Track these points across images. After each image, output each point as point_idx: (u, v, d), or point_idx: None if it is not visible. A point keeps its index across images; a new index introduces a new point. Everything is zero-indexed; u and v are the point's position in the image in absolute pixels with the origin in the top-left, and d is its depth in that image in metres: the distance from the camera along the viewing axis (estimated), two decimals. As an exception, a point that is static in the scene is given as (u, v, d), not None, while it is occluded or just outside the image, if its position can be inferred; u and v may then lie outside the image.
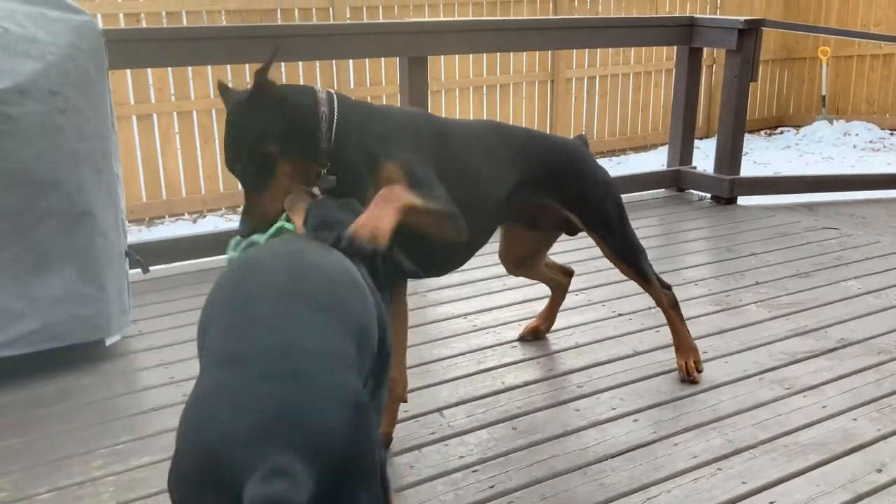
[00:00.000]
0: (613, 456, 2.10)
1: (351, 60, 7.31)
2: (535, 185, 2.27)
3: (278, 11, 7.44)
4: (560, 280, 2.81)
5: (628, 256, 2.49)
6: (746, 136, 4.83)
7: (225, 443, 1.05)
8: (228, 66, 6.83)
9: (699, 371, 2.53)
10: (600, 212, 2.41)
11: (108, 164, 2.44)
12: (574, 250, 3.65)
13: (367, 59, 7.32)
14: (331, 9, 7.59)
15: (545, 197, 2.32)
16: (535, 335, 2.77)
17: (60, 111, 2.27)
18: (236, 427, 1.06)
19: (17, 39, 2.24)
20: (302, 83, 7.37)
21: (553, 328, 2.84)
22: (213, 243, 3.64)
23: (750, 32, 4.26)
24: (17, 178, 2.25)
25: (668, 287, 2.58)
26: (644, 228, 4.04)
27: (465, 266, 3.39)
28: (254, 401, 1.09)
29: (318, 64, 7.30)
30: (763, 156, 8.80)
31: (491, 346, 2.73)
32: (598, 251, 3.60)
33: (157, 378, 2.49)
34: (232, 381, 1.14)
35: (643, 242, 3.78)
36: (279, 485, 0.99)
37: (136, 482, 1.97)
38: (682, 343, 2.56)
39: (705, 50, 4.87)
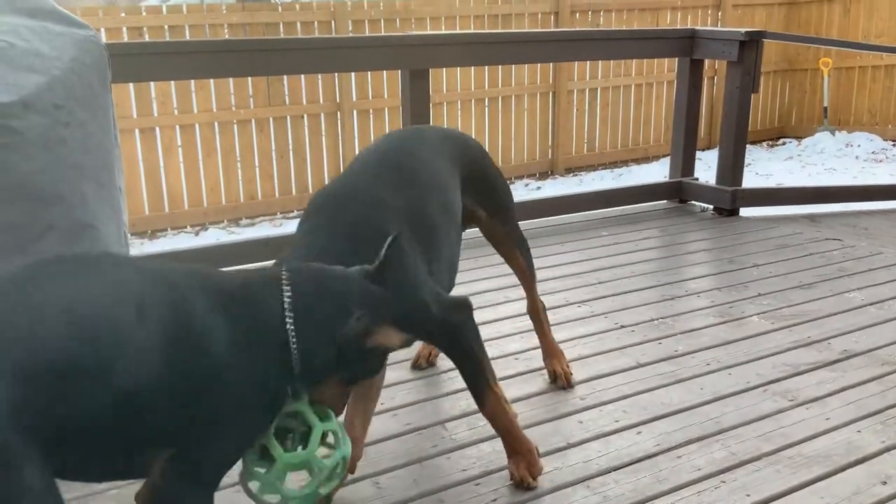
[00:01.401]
0: (616, 469, 2.09)
1: (353, 73, 7.34)
2: (464, 184, 2.21)
3: (280, 25, 7.49)
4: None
5: (521, 245, 2.47)
6: (748, 147, 4.84)
7: None
8: (231, 80, 6.88)
9: (569, 376, 2.54)
10: (504, 199, 2.41)
11: (111, 178, 2.44)
12: (575, 262, 3.66)
13: (369, 72, 7.36)
14: (333, 22, 7.63)
15: (466, 195, 2.23)
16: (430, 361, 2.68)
17: (64, 125, 2.27)
18: None
19: (22, 54, 2.25)
20: (305, 98, 7.41)
21: (556, 340, 2.83)
22: (215, 256, 3.65)
23: (751, 44, 4.27)
24: (20, 191, 2.25)
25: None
26: (646, 240, 4.04)
27: (467, 278, 3.44)
28: None
29: (319, 77, 7.34)
30: (765, 167, 8.81)
31: (493, 358, 2.68)
32: (601, 262, 3.66)
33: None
34: None
35: (645, 254, 3.83)
36: None
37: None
38: (553, 348, 2.58)
39: (706, 61, 4.88)
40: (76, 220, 2.34)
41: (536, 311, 2.56)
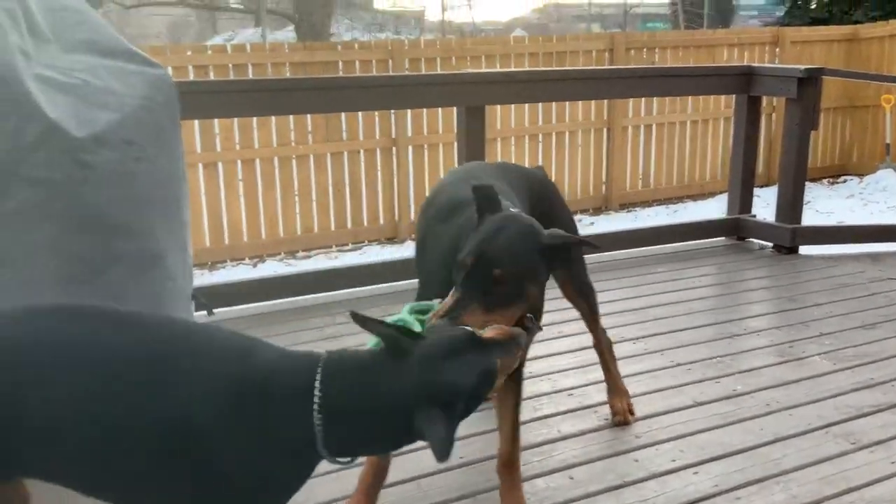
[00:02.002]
0: (673, 509, 2.06)
1: (410, 110, 7.46)
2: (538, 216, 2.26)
3: (339, 63, 7.66)
4: None
5: (586, 291, 2.49)
6: (808, 184, 4.77)
7: None
8: (291, 116, 7.06)
9: (632, 414, 2.54)
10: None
11: (178, 211, 2.53)
12: (629, 298, 3.63)
13: (424, 109, 7.47)
14: (390, 61, 7.78)
15: None
16: None
17: (135, 159, 2.37)
18: None
19: (97, 91, 2.36)
20: (362, 134, 7.56)
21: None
22: (272, 288, 3.72)
23: (810, 81, 4.22)
24: (91, 223, 2.34)
25: (605, 332, 2.62)
26: (703, 277, 3.99)
27: (521, 313, 3.44)
28: None
29: (376, 113, 7.47)
30: (826, 205, 8.63)
31: (547, 394, 2.71)
32: (656, 298, 3.63)
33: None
34: None
35: (702, 291, 3.78)
36: None
37: None
38: (617, 386, 2.58)
39: (764, 97, 4.84)
40: (144, 252, 2.43)
41: (602, 349, 2.58)
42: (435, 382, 1.31)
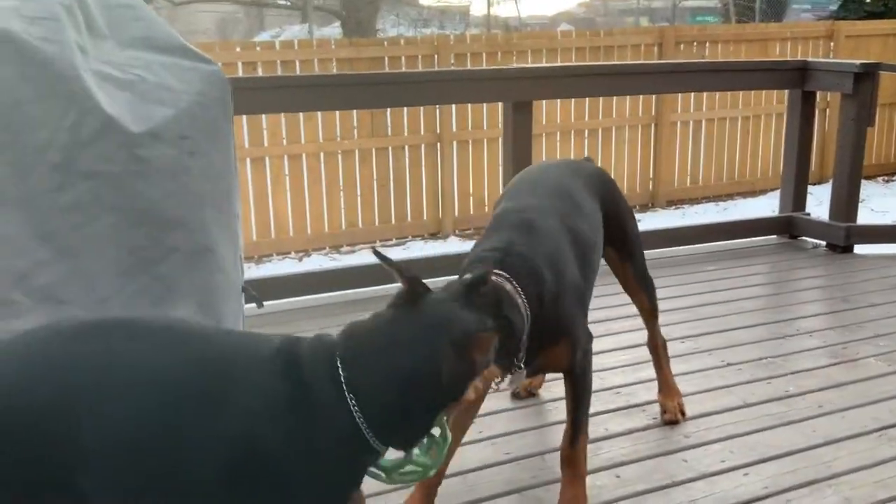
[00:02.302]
0: (723, 510, 2.03)
1: (454, 105, 7.46)
2: (604, 221, 2.25)
3: (385, 59, 7.69)
4: None
5: (647, 286, 2.48)
6: (863, 182, 4.65)
7: None
8: (337, 112, 7.11)
9: (683, 414, 2.51)
10: (633, 239, 2.42)
11: (229, 205, 2.56)
12: (678, 297, 3.58)
13: (469, 104, 7.46)
14: (435, 56, 7.79)
15: (604, 232, 2.26)
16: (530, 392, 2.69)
17: (189, 154, 2.41)
18: None
19: (153, 87, 2.41)
20: (406, 129, 7.58)
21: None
22: (319, 281, 3.76)
23: (866, 76, 4.12)
24: (146, 216, 2.39)
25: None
26: (754, 276, 3.93)
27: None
28: None
29: (421, 109, 7.49)
30: (881, 203, 8.41)
31: (594, 392, 2.66)
32: (706, 297, 3.57)
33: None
34: None
35: (753, 290, 3.72)
36: None
37: None
38: (669, 385, 2.56)
39: (818, 93, 4.73)
40: (197, 244, 2.47)
41: (656, 347, 2.57)
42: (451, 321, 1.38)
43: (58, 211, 2.31)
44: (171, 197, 2.41)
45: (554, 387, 2.73)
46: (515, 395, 2.65)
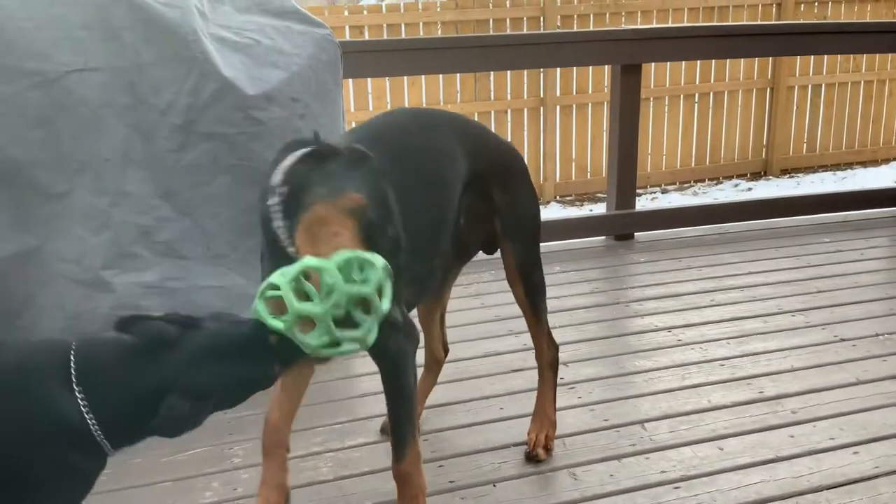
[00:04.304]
0: (829, 488, 1.97)
1: (558, 69, 7.34)
2: (479, 182, 1.91)
3: (490, 22, 7.63)
4: (438, 355, 2.29)
5: (530, 279, 2.03)
6: None
7: None
8: (440, 76, 7.12)
9: (548, 450, 2.10)
10: (522, 218, 2.02)
11: (337, 166, 2.64)
12: (790, 269, 3.46)
13: (574, 68, 7.33)
14: (541, 18, 7.67)
15: (484, 199, 1.94)
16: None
17: (300, 116, 2.49)
18: None
19: (267, 51, 2.49)
20: (510, 93, 7.53)
21: (767, 350, 2.70)
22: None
23: None
24: (260, 176, 2.48)
25: (556, 346, 2.16)
26: (873, 249, 3.74)
27: (669, 279, 3.36)
28: None
29: (525, 73, 7.41)
30: None
31: (696, 363, 2.65)
32: (820, 270, 3.44)
33: (368, 367, 2.64)
34: None
35: (871, 264, 3.54)
36: None
37: (351, 460, 2.12)
38: (543, 412, 2.14)
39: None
40: (307, 205, 2.55)
41: (540, 361, 2.13)
42: (184, 380, 1.26)
43: (178, 171, 2.44)
44: (283, 158, 2.49)
45: (640, 359, 2.70)
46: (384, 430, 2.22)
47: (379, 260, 1.32)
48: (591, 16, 7.86)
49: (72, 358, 1.27)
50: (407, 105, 7.24)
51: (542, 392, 2.15)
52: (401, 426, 1.71)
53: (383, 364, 1.70)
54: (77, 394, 1.25)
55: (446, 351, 2.32)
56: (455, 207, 1.87)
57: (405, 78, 7.05)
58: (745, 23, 7.73)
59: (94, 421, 1.25)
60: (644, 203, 7.32)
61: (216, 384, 1.28)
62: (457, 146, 1.89)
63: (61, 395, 1.24)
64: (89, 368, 1.27)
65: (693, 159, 8.13)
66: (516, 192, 2.01)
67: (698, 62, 7.81)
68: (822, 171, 8.52)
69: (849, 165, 8.60)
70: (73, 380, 1.25)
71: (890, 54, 8.22)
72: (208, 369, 1.28)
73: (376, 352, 1.61)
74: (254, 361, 1.32)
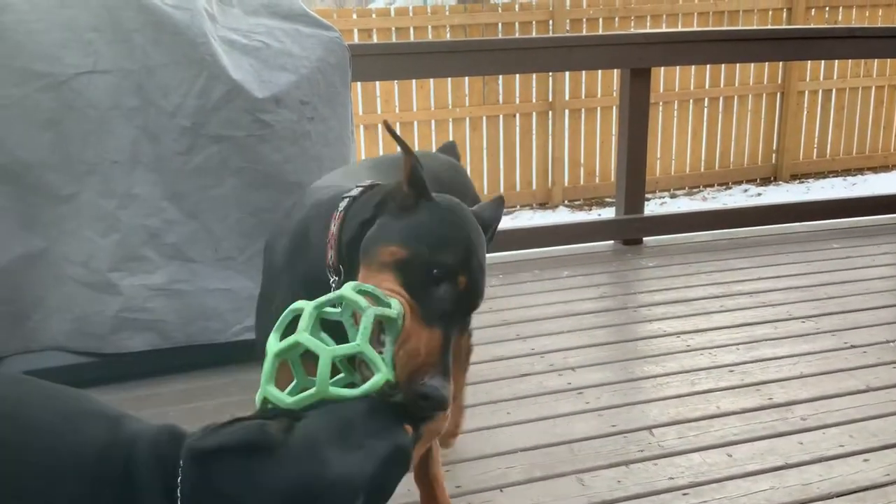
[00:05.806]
0: (839, 495, 1.95)
1: (567, 73, 7.33)
2: None
3: (499, 25, 7.63)
4: None
5: None
6: None
7: None
8: (449, 79, 7.12)
9: (453, 437, 2.03)
10: None
11: (345, 169, 2.64)
12: (800, 275, 3.44)
13: (583, 72, 7.31)
14: (550, 22, 7.66)
15: None
16: None
17: (308, 119, 2.49)
18: None
19: (276, 54, 2.49)
20: (518, 97, 7.52)
21: (776, 356, 2.68)
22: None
23: None
24: (268, 179, 2.49)
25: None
26: (884, 255, 3.71)
27: (678, 284, 3.35)
28: None
29: (533, 76, 7.39)
30: None
31: (705, 369, 2.63)
32: (830, 276, 3.41)
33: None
34: None
35: (882, 270, 3.52)
36: None
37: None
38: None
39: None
40: (314, 208, 2.55)
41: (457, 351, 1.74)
42: (314, 482, 0.97)
43: (186, 173, 2.44)
44: (292, 161, 2.50)
45: (649, 364, 2.69)
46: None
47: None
48: (601, 20, 7.85)
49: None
50: (415, 110, 7.24)
51: (455, 378, 1.94)
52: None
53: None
54: None
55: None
56: None
57: (413, 81, 7.04)
58: (755, 27, 7.71)
59: None
60: (653, 208, 7.30)
61: (353, 475, 0.99)
62: None
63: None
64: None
65: (702, 164, 8.10)
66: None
67: (708, 66, 7.78)
68: (833, 176, 8.48)
69: (859, 171, 8.55)
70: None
71: (901, 59, 8.18)
72: (336, 462, 0.99)
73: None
74: (388, 428, 1.04)
